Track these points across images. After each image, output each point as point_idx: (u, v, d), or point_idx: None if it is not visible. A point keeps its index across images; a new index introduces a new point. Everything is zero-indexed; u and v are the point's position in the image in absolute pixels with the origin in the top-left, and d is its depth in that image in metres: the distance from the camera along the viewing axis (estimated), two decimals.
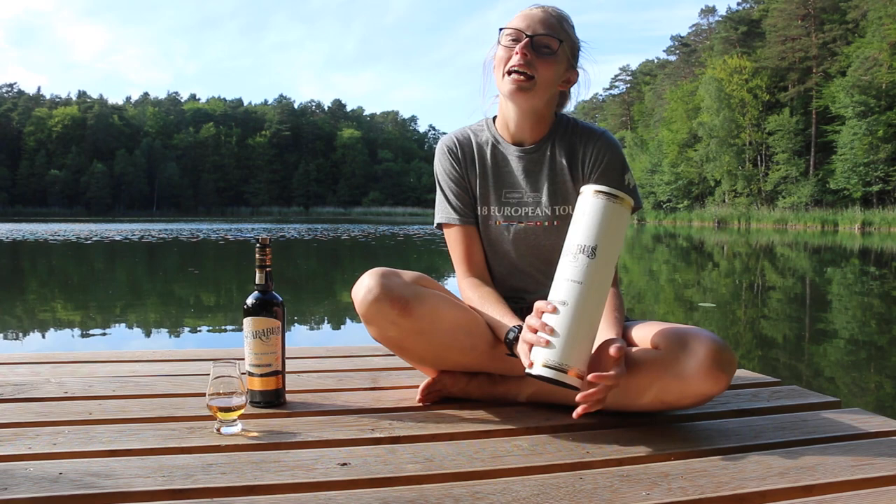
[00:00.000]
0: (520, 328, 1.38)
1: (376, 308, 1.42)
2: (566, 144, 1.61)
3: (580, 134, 1.61)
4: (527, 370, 1.27)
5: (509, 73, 1.50)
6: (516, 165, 1.62)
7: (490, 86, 1.61)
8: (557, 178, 1.60)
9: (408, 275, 1.48)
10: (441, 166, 1.66)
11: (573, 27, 1.58)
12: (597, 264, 1.23)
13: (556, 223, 1.60)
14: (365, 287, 1.43)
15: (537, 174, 1.61)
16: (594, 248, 1.23)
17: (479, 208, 1.64)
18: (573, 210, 1.57)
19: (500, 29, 1.54)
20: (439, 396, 1.58)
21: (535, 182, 1.61)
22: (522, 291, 1.65)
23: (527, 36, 1.49)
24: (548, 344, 1.23)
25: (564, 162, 1.60)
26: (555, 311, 1.24)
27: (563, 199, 1.60)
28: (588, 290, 1.23)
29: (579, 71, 1.60)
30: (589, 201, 1.26)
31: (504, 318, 1.46)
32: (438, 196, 1.67)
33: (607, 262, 1.25)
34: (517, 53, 1.49)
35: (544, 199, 1.60)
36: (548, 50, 1.50)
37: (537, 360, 1.25)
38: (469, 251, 1.63)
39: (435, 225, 1.68)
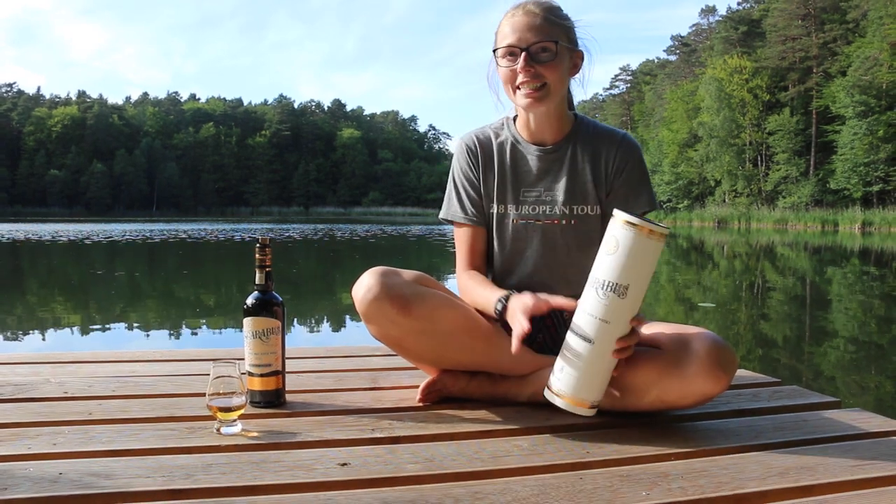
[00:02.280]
0: (506, 297, 1.43)
1: (376, 306, 1.42)
2: (588, 146, 1.61)
3: (602, 136, 1.62)
4: (545, 392, 1.33)
5: (520, 87, 1.51)
6: (535, 165, 1.62)
7: (503, 96, 1.61)
8: (577, 178, 1.61)
9: (408, 274, 1.49)
10: (458, 164, 1.68)
11: (559, 10, 1.55)
12: (626, 303, 1.22)
13: (573, 222, 1.61)
14: (365, 286, 1.43)
15: (556, 173, 1.61)
16: (626, 287, 1.20)
17: (495, 207, 1.64)
18: (591, 210, 1.60)
19: (494, 50, 1.54)
20: (439, 396, 1.58)
21: (554, 181, 1.61)
22: (529, 291, 1.65)
23: (522, 50, 1.49)
24: (566, 371, 1.26)
25: (586, 163, 1.60)
26: (577, 338, 1.26)
27: (582, 199, 1.61)
28: (614, 328, 1.23)
29: (582, 51, 1.58)
30: (623, 234, 1.20)
31: (493, 293, 1.48)
32: (450, 191, 1.68)
33: (636, 299, 1.23)
34: (521, 72, 1.49)
35: (562, 198, 1.60)
36: (548, 54, 1.50)
37: (553, 385, 1.29)
38: (473, 249, 1.65)
39: (440, 216, 1.69)
